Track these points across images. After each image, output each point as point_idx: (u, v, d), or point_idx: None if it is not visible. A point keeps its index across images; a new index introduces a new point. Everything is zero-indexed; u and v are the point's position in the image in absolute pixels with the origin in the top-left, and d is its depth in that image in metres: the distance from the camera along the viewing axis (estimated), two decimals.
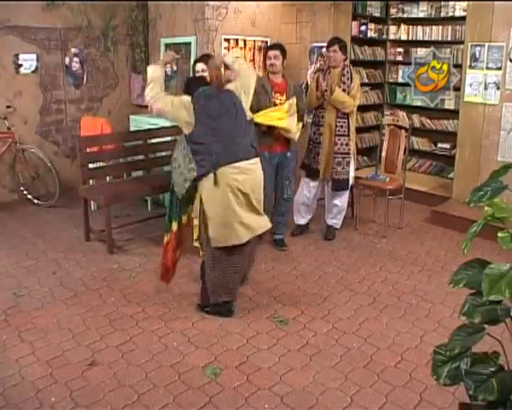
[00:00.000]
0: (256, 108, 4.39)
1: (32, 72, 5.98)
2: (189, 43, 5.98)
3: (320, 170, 4.83)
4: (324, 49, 6.53)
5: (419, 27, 7.04)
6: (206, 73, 3.99)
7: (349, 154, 4.80)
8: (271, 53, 4.47)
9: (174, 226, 3.55)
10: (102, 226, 4.71)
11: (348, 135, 4.76)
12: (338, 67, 4.74)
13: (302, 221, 5.10)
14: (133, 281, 4.04)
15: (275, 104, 4.40)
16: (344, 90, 4.68)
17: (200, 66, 3.97)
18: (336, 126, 4.73)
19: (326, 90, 4.66)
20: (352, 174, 4.91)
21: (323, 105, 4.74)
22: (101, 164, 5.21)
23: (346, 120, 4.74)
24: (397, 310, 3.67)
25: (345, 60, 4.80)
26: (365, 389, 2.78)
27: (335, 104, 4.68)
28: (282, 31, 6.68)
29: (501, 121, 5.24)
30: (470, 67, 5.44)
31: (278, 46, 4.58)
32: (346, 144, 4.76)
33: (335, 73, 4.74)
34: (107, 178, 5.35)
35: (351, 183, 4.95)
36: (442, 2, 6.69)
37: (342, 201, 4.95)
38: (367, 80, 7.21)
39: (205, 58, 4.17)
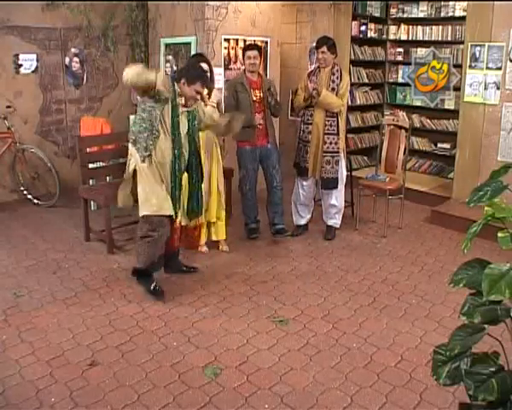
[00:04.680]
0: (236, 105, 4.61)
1: (32, 72, 5.98)
2: (189, 43, 5.98)
3: (309, 168, 4.85)
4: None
5: (419, 27, 7.04)
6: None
7: (338, 153, 4.80)
8: (251, 53, 4.62)
9: None
10: (102, 226, 4.70)
11: (337, 134, 4.75)
12: (328, 66, 4.74)
13: (301, 221, 5.10)
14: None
15: (253, 101, 4.64)
16: (333, 89, 4.69)
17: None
18: (325, 125, 4.73)
19: (315, 89, 4.66)
20: (344, 173, 4.93)
21: (312, 104, 4.75)
22: (101, 164, 5.20)
23: (335, 119, 4.73)
24: (397, 310, 3.67)
25: (335, 58, 4.81)
26: (365, 389, 2.78)
27: (322, 106, 4.68)
28: (282, 31, 6.69)
29: (501, 121, 5.24)
30: (470, 67, 5.44)
31: (256, 46, 4.77)
32: (336, 143, 4.76)
33: (325, 72, 4.74)
34: (107, 178, 5.35)
35: (344, 181, 4.97)
36: (442, 2, 6.70)
37: (339, 200, 4.95)
38: (367, 80, 7.22)
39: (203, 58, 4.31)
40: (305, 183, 4.95)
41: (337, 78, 4.71)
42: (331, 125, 4.73)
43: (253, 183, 4.82)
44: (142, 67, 3.39)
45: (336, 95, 4.68)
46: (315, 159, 4.81)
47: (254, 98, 4.62)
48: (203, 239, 4.59)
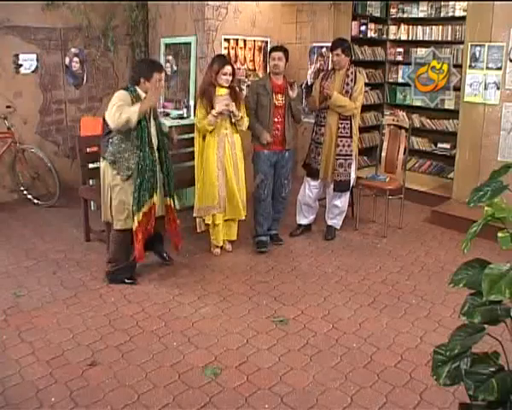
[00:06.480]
0: (255, 108, 4.49)
1: (32, 72, 5.98)
2: (189, 43, 5.98)
3: (320, 170, 4.84)
4: (324, 50, 6.57)
5: (419, 27, 7.04)
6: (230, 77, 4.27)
7: (351, 155, 4.77)
8: (275, 54, 4.51)
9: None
10: (102, 226, 4.69)
11: (351, 137, 4.72)
12: (342, 69, 4.73)
13: (304, 221, 5.09)
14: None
15: (275, 105, 4.48)
16: (347, 92, 4.67)
17: (228, 68, 4.26)
18: (338, 128, 4.70)
19: (326, 91, 4.63)
20: (353, 175, 4.90)
21: (325, 106, 4.72)
22: None
23: (348, 122, 4.70)
24: (397, 310, 3.67)
25: (350, 61, 4.79)
26: (365, 389, 2.78)
27: (334, 108, 4.66)
28: (282, 31, 6.68)
29: (501, 121, 5.24)
30: (470, 67, 5.44)
31: (282, 48, 4.63)
32: (349, 146, 4.73)
33: (339, 74, 4.72)
34: None
35: (352, 184, 4.95)
36: (442, 2, 6.70)
37: (343, 202, 4.94)
38: (367, 80, 7.21)
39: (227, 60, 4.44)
40: (312, 183, 4.94)
41: (351, 80, 4.68)
42: (344, 128, 4.70)
43: (271, 189, 4.64)
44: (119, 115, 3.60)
45: (350, 97, 4.65)
46: (327, 161, 4.79)
47: (276, 102, 4.47)
48: (221, 241, 4.57)
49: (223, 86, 4.28)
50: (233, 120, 4.31)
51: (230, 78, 4.29)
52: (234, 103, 4.24)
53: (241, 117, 4.31)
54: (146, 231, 3.84)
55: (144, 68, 3.77)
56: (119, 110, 3.57)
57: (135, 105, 3.62)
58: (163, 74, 3.84)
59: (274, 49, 4.65)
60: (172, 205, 4.02)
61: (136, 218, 3.73)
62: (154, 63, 3.94)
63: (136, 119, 3.58)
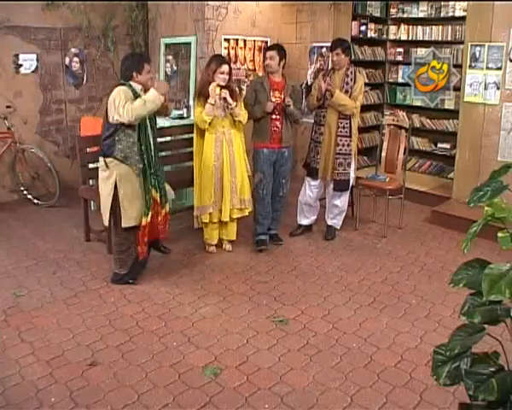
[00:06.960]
0: (253, 104, 4.54)
1: (32, 72, 5.98)
2: (189, 43, 5.98)
3: (319, 169, 4.84)
4: (324, 49, 6.57)
5: (419, 27, 7.05)
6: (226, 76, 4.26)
7: (350, 155, 4.76)
8: (267, 53, 4.58)
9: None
10: (102, 226, 4.70)
11: (350, 136, 4.72)
12: (342, 68, 4.73)
13: (305, 221, 5.09)
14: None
15: (271, 102, 4.50)
16: (347, 91, 4.67)
17: (225, 67, 4.25)
18: (338, 127, 4.70)
19: (328, 90, 4.64)
20: (352, 175, 4.90)
21: (325, 105, 4.72)
22: None
23: (348, 121, 4.70)
24: (397, 310, 3.67)
25: (350, 60, 4.80)
26: (365, 389, 2.78)
27: (335, 107, 4.67)
28: (282, 31, 6.69)
29: (501, 121, 5.24)
30: (470, 67, 5.44)
31: (276, 47, 4.66)
32: (348, 145, 4.73)
33: (339, 74, 4.73)
34: None
35: (351, 183, 4.95)
36: (442, 2, 6.70)
37: (342, 202, 4.94)
38: (367, 80, 7.21)
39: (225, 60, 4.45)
40: (313, 183, 4.94)
41: (351, 80, 4.68)
42: (344, 127, 4.70)
43: (271, 188, 4.65)
44: (134, 102, 3.59)
45: (350, 97, 4.66)
46: (326, 160, 4.79)
47: (273, 100, 4.48)
48: (215, 239, 4.60)
49: (219, 85, 4.28)
50: (225, 104, 4.29)
51: (227, 77, 4.28)
52: (227, 91, 4.24)
53: (236, 105, 4.29)
54: (152, 226, 3.85)
55: (135, 62, 3.78)
56: (130, 104, 3.57)
57: (147, 94, 3.63)
58: (151, 64, 3.90)
59: (268, 48, 4.73)
60: (158, 199, 3.89)
61: (148, 211, 3.76)
62: (141, 55, 4.05)
63: (152, 105, 3.59)
